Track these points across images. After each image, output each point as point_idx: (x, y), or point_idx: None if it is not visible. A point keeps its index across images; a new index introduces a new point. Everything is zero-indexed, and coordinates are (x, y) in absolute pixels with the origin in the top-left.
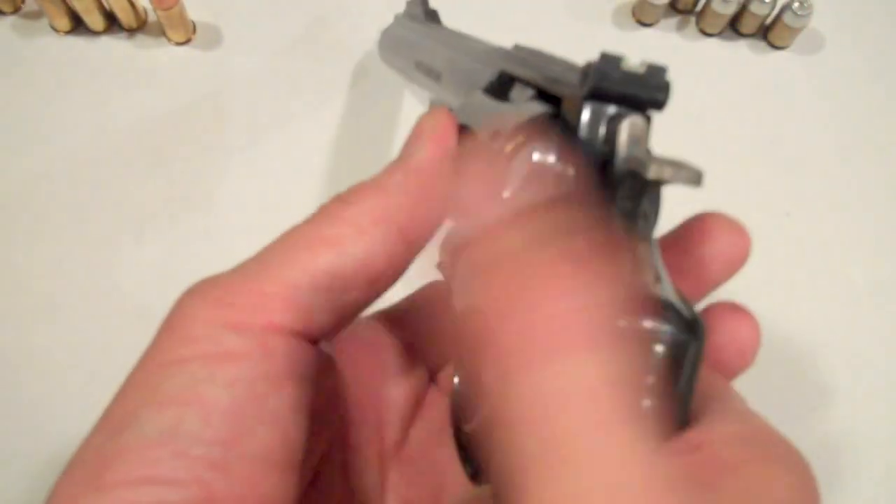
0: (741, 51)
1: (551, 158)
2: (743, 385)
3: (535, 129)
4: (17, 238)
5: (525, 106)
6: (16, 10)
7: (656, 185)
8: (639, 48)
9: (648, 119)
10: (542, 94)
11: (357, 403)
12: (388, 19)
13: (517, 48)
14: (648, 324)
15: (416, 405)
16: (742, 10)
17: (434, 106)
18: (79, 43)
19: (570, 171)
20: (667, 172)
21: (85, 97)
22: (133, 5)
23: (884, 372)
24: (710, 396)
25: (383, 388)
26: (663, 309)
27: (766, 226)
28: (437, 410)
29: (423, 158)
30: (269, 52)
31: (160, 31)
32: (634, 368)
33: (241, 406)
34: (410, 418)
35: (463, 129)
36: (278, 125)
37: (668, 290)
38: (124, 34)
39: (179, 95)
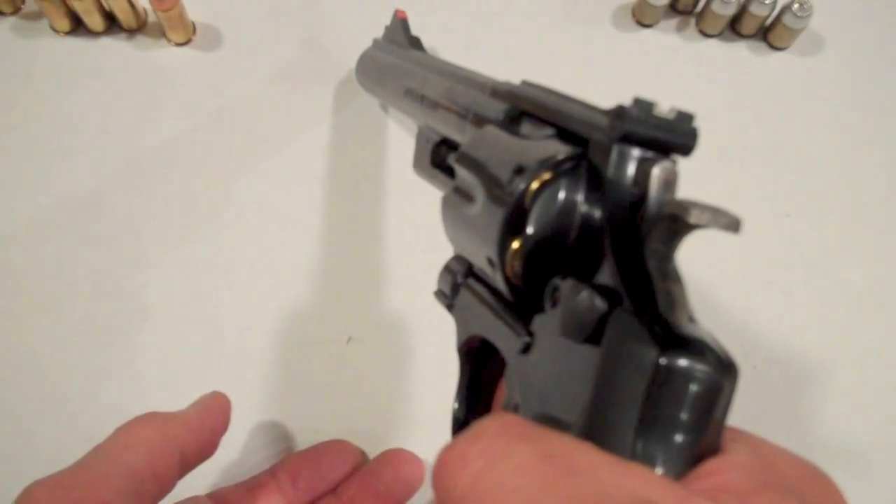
0: (741, 52)
1: (579, 197)
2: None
3: (561, 167)
4: (16, 238)
5: (548, 144)
6: (16, 11)
7: (692, 228)
8: (638, 49)
9: (675, 165)
10: (563, 133)
11: None
12: (385, 18)
13: (526, 84)
14: (684, 362)
15: None
16: (742, 11)
17: (422, 135)
18: (79, 43)
19: (598, 210)
20: (706, 218)
21: (85, 98)
22: (133, 6)
23: (883, 372)
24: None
25: None
26: (700, 348)
27: (765, 226)
28: None
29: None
30: (270, 52)
31: (160, 32)
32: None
33: None
34: None
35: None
36: (278, 125)
37: (702, 331)
38: (124, 35)
39: (179, 96)
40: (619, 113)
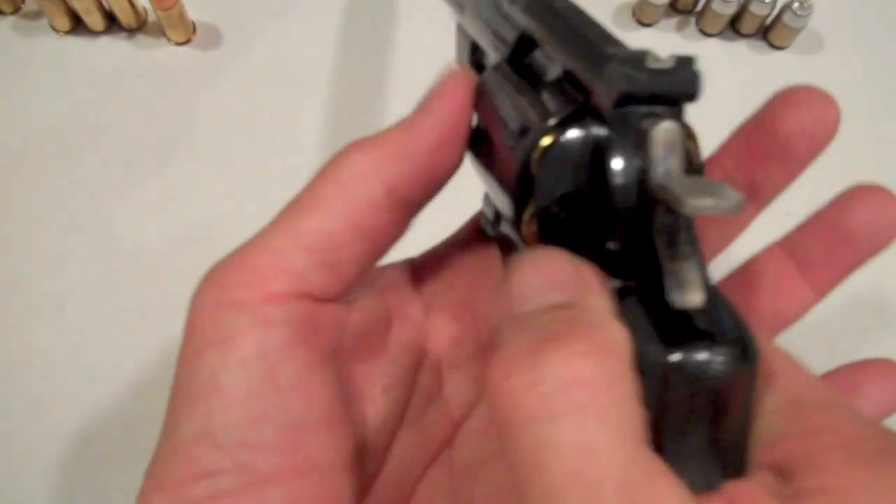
0: (741, 51)
1: (586, 159)
2: None
3: (566, 127)
4: (16, 238)
5: (551, 98)
6: (16, 10)
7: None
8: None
9: (680, 116)
10: (570, 77)
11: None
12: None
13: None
14: (692, 358)
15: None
16: (742, 11)
17: (460, 31)
18: (79, 43)
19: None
20: (704, 204)
21: (85, 97)
22: (133, 5)
23: None
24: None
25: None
26: (714, 336)
27: (765, 225)
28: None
29: (429, 124)
30: (269, 52)
31: (160, 31)
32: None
33: (257, 382)
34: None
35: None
36: (278, 125)
37: (718, 312)
38: (124, 34)
39: (179, 95)
40: (612, 75)
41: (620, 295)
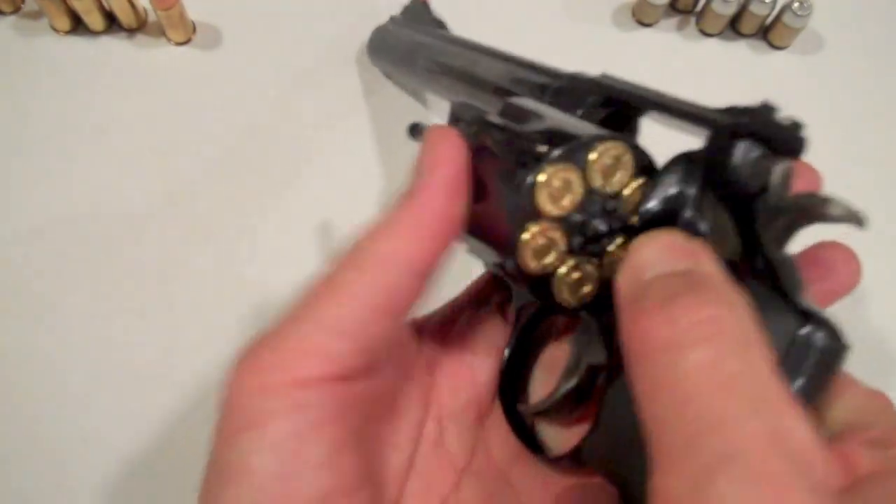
0: (741, 51)
1: (692, 190)
2: None
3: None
4: (17, 238)
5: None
6: (16, 10)
7: (818, 221)
8: (639, 48)
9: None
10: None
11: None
12: (382, 17)
13: (605, 77)
14: (821, 335)
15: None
16: (742, 11)
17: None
18: (79, 43)
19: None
20: (841, 212)
21: (85, 97)
22: (133, 5)
23: (885, 374)
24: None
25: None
26: (829, 324)
27: None
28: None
29: (433, 192)
30: (269, 51)
31: (160, 31)
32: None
33: (287, 463)
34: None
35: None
36: (278, 124)
37: (813, 306)
38: (124, 34)
39: (179, 95)
40: (751, 112)
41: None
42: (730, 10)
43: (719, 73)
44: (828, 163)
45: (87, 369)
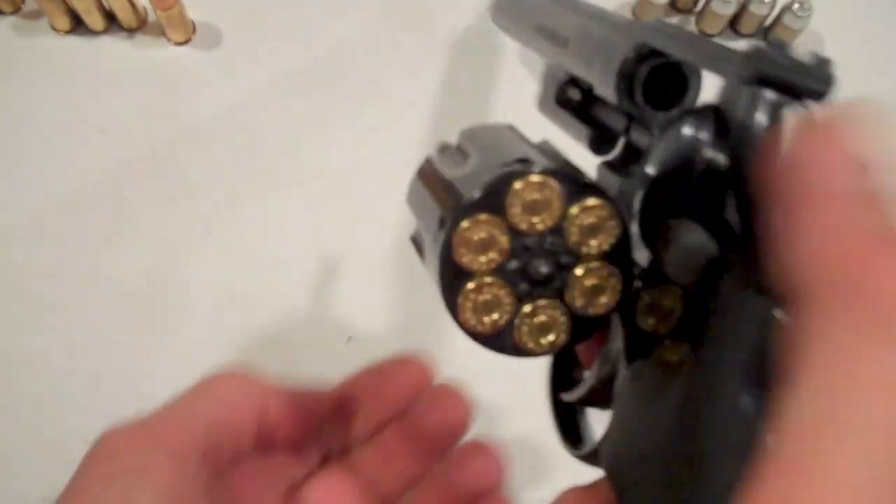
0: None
1: (704, 136)
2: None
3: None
4: (17, 238)
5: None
6: (16, 10)
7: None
8: None
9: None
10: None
11: None
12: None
13: (659, 22)
14: None
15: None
16: (742, 11)
17: (549, 73)
18: (79, 43)
19: (721, 154)
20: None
21: (85, 97)
22: (133, 5)
23: None
24: None
25: None
26: None
27: None
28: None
29: None
30: (269, 51)
31: (160, 31)
32: None
33: None
34: None
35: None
36: (278, 124)
37: None
38: (124, 34)
39: (179, 95)
40: (754, 53)
41: (721, 251)
42: (730, 10)
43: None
44: None
45: (87, 369)
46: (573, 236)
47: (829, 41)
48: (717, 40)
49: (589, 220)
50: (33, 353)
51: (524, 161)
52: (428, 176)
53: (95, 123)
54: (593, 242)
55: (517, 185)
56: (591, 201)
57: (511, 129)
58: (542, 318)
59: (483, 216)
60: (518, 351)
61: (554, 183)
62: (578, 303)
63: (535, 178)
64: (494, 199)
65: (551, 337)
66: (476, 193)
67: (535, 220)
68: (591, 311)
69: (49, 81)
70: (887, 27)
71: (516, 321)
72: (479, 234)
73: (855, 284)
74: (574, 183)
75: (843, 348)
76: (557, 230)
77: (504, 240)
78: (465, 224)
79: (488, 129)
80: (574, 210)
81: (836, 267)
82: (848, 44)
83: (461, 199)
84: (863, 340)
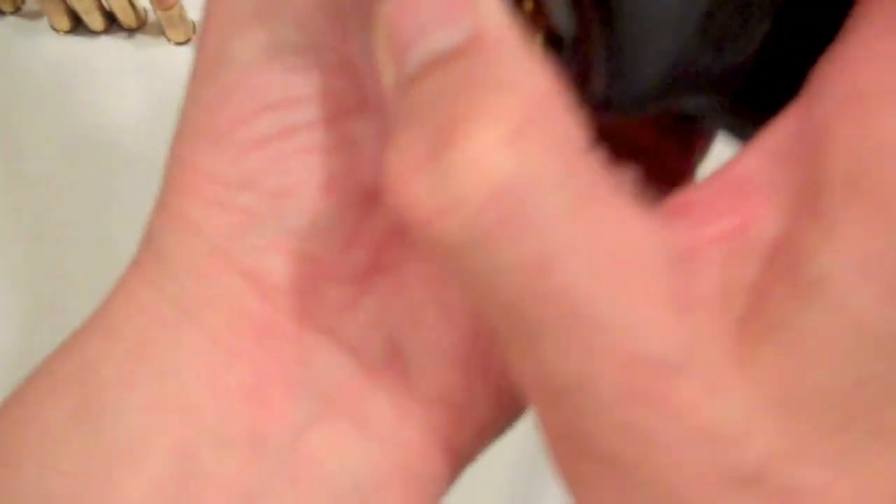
0: None
1: None
2: None
3: None
4: (17, 238)
5: None
6: (16, 10)
7: None
8: None
9: None
10: None
11: None
12: None
13: None
14: None
15: None
16: None
17: None
18: (79, 43)
19: None
20: None
21: (85, 97)
22: (133, 5)
23: None
24: None
25: None
26: None
27: None
28: None
29: None
30: None
31: (160, 31)
32: None
33: None
34: None
35: None
36: None
37: None
38: (124, 34)
39: (179, 95)
40: None
41: None
42: None
43: None
44: None
45: None
46: None
47: None
48: None
49: None
50: (33, 352)
51: None
52: None
53: (95, 123)
54: None
55: None
56: None
57: None
58: None
59: None
60: None
61: None
62: None
63: None
64: None
65: None
66: None
67: None
68: None
69: (49, 81)
70: None
71: None
72: None
73: None
74: None
75: None
76: None
77: None
78: None
79: None
80: None
81: None
82: None
83: None
84: None
